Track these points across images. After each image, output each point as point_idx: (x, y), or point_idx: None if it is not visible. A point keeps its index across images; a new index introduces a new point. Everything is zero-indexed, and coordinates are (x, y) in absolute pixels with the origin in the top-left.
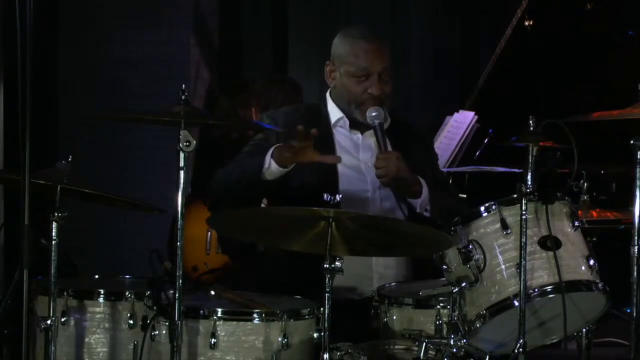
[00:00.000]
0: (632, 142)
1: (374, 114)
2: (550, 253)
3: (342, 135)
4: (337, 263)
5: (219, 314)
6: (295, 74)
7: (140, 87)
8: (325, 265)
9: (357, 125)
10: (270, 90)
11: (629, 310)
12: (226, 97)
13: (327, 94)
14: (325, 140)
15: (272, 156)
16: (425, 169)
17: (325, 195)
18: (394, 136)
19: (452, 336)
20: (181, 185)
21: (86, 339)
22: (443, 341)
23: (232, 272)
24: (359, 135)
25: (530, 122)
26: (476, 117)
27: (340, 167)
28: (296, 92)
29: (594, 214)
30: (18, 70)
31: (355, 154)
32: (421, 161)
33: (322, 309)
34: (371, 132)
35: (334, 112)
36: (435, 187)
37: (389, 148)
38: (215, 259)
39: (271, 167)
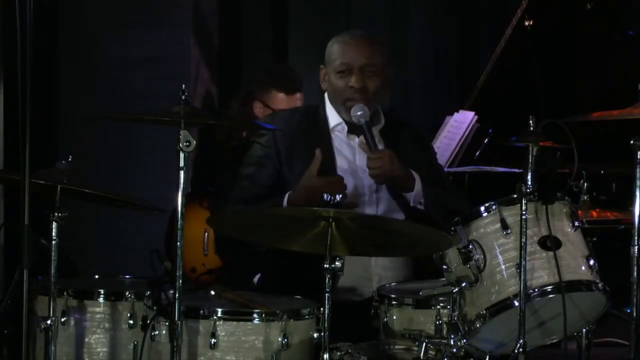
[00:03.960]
0: (632, 142)
1: (358, 113)
2: (550, 253)
3: (340, 140)
4: (337, 263)
5: (219, 314)
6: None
7: (140, 87)
8: (325, 265)
9: (354, 130)
10: (267, 81)
11: (629, 310)
12: (236, 102)
13: (325, 96)
14: (323, 144)
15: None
16: (421, 166)
17: (325, 195)
18: (390, 134)
19: (452, 336)
20: (181, 185)
21: (86, 339)
22: (443, 341)
23: (231, 272)
24: (356, 139)
25: (530, 122)
26: (476, 117)
27: (338, 170)
28: (294, 81)
29: (594, 214)
30: (18, 70)
31: (352, 158)
32: (417, 159)
33: (322, 309)
34: None
35: (333, 117)
36: (434, 184)
37: (380, 146)
38: (213, 259)
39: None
